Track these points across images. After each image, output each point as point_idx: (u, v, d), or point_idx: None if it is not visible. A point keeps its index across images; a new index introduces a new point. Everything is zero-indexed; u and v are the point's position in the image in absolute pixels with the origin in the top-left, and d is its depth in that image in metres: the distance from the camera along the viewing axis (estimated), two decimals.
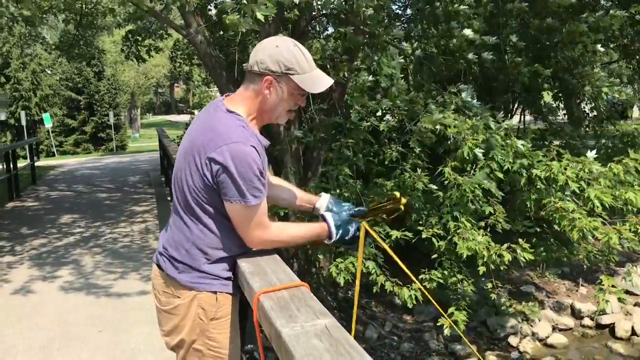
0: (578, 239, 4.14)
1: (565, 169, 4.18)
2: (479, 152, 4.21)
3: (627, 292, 8.95)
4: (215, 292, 1.96)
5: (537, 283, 9.33)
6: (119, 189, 13.72)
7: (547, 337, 7.96)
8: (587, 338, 8.10)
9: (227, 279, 1.98)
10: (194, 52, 11.29)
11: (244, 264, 1.91)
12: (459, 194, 4.24)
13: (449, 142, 4.48)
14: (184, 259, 1.96)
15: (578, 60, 6.28)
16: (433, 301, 2.41)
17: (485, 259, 4.08)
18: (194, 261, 1.95)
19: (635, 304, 8.51)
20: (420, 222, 4.84)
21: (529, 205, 4.34)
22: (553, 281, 9.30)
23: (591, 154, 4.34)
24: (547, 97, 8.40)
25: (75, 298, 5.94)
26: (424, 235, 4.68)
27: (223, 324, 1.99)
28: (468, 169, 4.53)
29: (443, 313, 3.68)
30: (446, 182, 4.44)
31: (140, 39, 11.35)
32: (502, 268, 4.15)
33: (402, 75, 4.79)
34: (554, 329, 8.17)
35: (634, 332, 7.94)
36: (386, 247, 2.20)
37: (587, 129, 7.86)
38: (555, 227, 5.01)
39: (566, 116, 8.76)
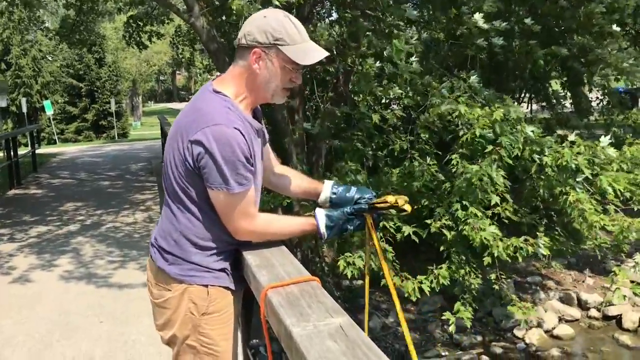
0: (588, 231, 4.02)
1: (578, 154, 4.06)
2: (487, 133, 4.08)
3: (633, 282, 8.89)
4: (206, 286, 1.84)
5: (543, 274, 9.24)
6: (120, 177, 13.62)
7: (554, 328, 7.87)
8: (593, 329, 8.01)
9: (221, 270, 1.87)
10: (196, 37, 11.13)
11: (249, 257, 1.80)
12: (467, 183, 4.11)
13: (458, 127, 4.35)
14: (173, 249, 1.86)
15: (590, 46, 6.12)
16: None
17: (498, 251, 3.97)
18: (183, 252, 1.84)
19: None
20: (427, 214, 4.72)
21: (540, 193, 4.22)
22: (559, 272, 9.20)
23: (605, 139, 4.21)
24: (555, 85, 8.26)
25: (75, 287, 5.85)
26: (432, 230, 4.56)
27: (216, 319, 1.87)
28: (477, 156, 4.40)
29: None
30: (454, 170, 4.33)
31: (141, 24, 11.20)
32: (518, 260, 4.04)
33: (416, 59, 4.64)
34: (560, 320, 8.08)
35: None
36: (379, 248, 2.00)
37: (596, 118, 7.72)
38: (565, 218, 4.92)
39: (572, 106, 8.62)
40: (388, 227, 4.59)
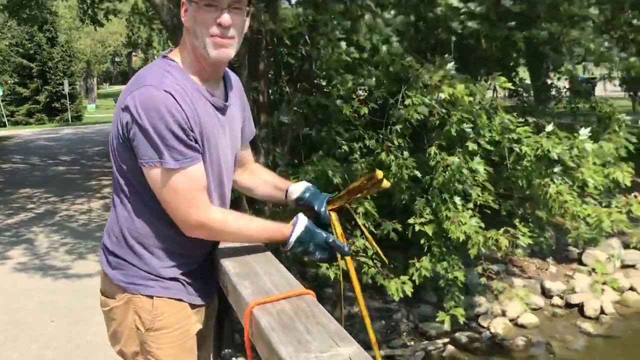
0: (571, 223, 3.94)
1: (558, 145, 3.95)
2: (467, 127, 3.93)
3: (595, 270, 9.01)
4: (151, 297, 1.54)
5: (507, 262, 9.26)
6: (76, 161, 13.06)
7: (518, 316, 7.86)
8: (556, 317, 8.06)
9: (172, 279, 1.56)
10: (154, 16, 10.65)
11: (227, 263, 1.56)
12: (448, 176, 3.96)
13: (434, 118, 4.18)
14: (115, 248, 1.58)
15: (560, 33, 6.04)
16: None
17: (480, 244, 3.85)
18: (126, 253, 1.56)
19: (604, 283, 8.49)
20: (406, 208, 4.56)
21: (517, 183, 4.12)
22: (523, 260, 9.23)
23: (584, 131, 4.13)
24: (523, 73, 8.22)
25: (26, 282, 5.47)
26: (414, 225, 4.39)
27: (164, 337, 1.56)
28: (456, 145, 4.24)
29: None
30: (433, 162, 4.17)
31: (97, 0, 10.65)
32: (499, 252, 3.94)
33: (397, 39, 4.43)
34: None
35: (602, 311, 7.92)
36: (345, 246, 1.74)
37: (564, 106, 7.70)
38: (539, 212, 4.84)
39: (534, 93, 8.60)
40: (366, 225, 4.41)
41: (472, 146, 3.98)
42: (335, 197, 1.73)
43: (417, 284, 4.68)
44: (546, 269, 8.96)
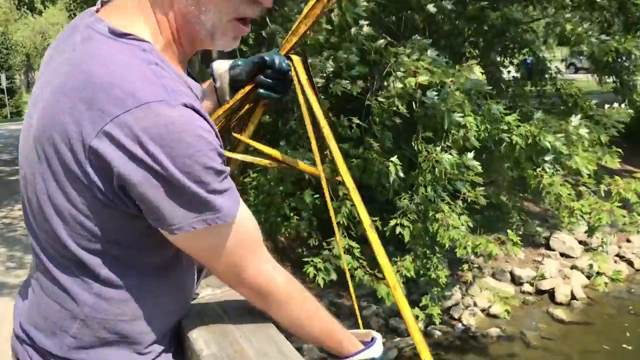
0: (569, 218, 3.70)
1: (554, 133, 3.68)
2: (458, 117, 3.59)
3: (562, 254, 8.96)
4: None
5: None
6: (16, 162, 12.23)
7: (489, 306, 7.71)
8: (527, 305, 7.96)
9: None
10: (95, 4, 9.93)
11: (199, 335, 1.06)
12: (438, 173, 3.62)
13: (416, 109, 3.83)
14: (69, 354, 1.01)
15: (530, 15, 5.80)
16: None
17: (469, 250, 3.56)
18: (100, 355, 1.02)
19: (572, 267, 8.45)
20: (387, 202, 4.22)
21: (510, 175, 3.85)
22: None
23: (576, 119, 3.86)
24: (494, 57, 7.97)
25: None
26: (402, 230, 4.05)
27: None
28: (441, 137, 3.92)
29: None
30: (421, 159, 3.83)
31: None
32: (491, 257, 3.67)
33: (367, 22, 4.04)
34: (494, 297, 7.93)
35: (573, 297, 7.86)
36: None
37: (530, 90, 7.50)
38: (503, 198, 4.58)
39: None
40: (347, 222, 4.05)
41: (461, 135, 3.64)
42: (285, 41, 1.30)
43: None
44: (515, 256, 8.84)
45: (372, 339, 1.18)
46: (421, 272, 4.34)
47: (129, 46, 0.92)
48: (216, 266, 1.01)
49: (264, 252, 1.03)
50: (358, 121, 4.28)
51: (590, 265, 4.66)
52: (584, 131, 3.64)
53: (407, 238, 3.97)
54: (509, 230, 3.85)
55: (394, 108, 3.84)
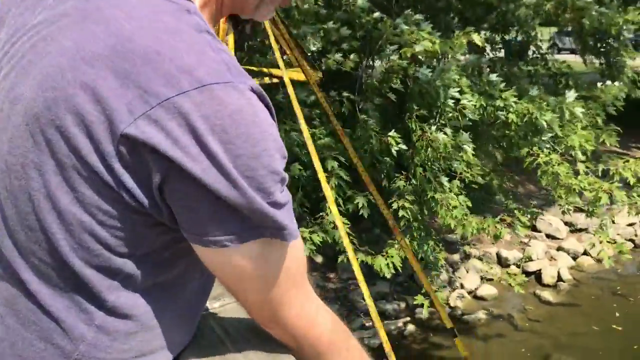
0: (566, 195, 3.59)
1: (547, 111, 3.55)
2: (454, 92, 3.43)
3: (548, 236, 8.93)
4: None
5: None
6: None
7: (476, 288, 7.68)
8: (514, 287, 7.89)
9: None
10: None
11: None
12: (432, 153, 3.47)
13: (409, 87, 3.66)
14: None
15: None
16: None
17: (473, 230, 3.42)
18: None
19: (559, 249, 8.43)
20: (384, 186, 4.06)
21: (505, 155, 3.72)
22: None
23: (571, 94, 3.73)
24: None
25: None
26: (399, 213, 3.89)
27: None
28: (435, 115, 3.75)
29: None
30: (414, 137, 3.66)
31: None
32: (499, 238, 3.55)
33: None
34: (482, 279, 7.89)
35: (560, 278, 7.83)
36: None
37: (519, 68, 7.37)
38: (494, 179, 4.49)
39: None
40: (338, 197, 3.86)
41: (456, 114, 3.49)
42: None
43: (396, 267, 4.23)
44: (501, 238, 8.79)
45: None
46: (420, 255, 4.21)
47: (170, 3, 0.71)
48: (250, 296, 0.80)
49: (310, 289, 0.84)
50: (348, 94, 4.08)
51: (593, 244, 4.54)
52: (579, 110, 3.51)
53: (411, 219, 3.82)
54: (516, 211, 3.72)
55: (390, 84, 3.66)
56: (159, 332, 0.80)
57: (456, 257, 8.19)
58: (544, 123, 3.41)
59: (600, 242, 4.17)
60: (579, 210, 8.65)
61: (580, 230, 8.79)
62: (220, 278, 0.79)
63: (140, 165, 0.66)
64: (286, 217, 0.72)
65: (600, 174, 3.87)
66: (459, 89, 3.49)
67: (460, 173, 3.75)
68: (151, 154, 0.65)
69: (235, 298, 0.84)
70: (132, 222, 0.71)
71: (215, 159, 0.65)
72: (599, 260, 8.10)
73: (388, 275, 4.19)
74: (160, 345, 0.81)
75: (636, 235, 8.89)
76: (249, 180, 0.67)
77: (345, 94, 4.17)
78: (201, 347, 0.86)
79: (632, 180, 3.60)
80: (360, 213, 3.98)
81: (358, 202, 3.93)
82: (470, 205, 3.73)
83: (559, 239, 8.61)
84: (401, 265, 4.17)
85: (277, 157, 0.70)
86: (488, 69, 3.82)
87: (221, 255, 0.72)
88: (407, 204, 3.82)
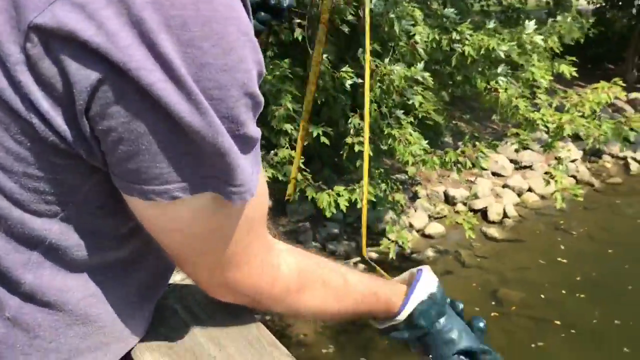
0: (531, 129, 3.51)
1: (503, 41, 3.41)
2: (408, 25, 3.22)
3: (494, 174, 9.03)
4: None
5: (407, 171, 9.02)
6: None
7: (424, 227, 7.73)
8: (461, 224, 7.97)
9: None
10: None
11: (147, 357, 0.64)
12: (386, 87, 3.27)
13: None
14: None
15: None
16: None
17: (435, 166, 3.30)
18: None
19: (504, 186, 8.55)
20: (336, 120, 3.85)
21: (462, 89, 3.59)
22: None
23: (531, 24, 3.59)
24: None
25: None
26: (353, 148, 3.69)
27: None
28: (387, 49, 3.55)
29: None
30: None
31: None
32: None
33: None
34: (429, 218, 7.95)
35: (505, 215, 7.98)
36: None
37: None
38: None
39: None
40: (289, 130, 3.63)
41: (409, 48, 3.30)
42: None
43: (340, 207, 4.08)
44: (448, 176, 8.81)
45: (418, 272, 0.88)
46: (379, 195, 4.09)
47: None
48: (200, 260, 0.60)
49: (270, 238, 0.67)
50: (300, 20, 3.81)
51: (547, 182, 4.53)
52: (538, 38, 3.38)
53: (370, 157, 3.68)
54: (477, 143, 3.62)
55: (342, 16, 3.41)
56: (101, 325, 0.58)
57: (404, 196, 8.19)
58: (502, 54, 3.28)
59: (556, 181, 4.15)
60: (523, 147, 8.81)
61: (525, 167, 8.93)
62: (159, 238, 0.57)
63: (59, 77, 0.43)
64: (251, 162, 0.52)
65: (554, 108, 3.81)
66: (412, 22, 3.29)
67: (416, 109, 3.60)
68: (73, 56, 0.41)
69: (177, 263, 0.63)
70: (52, 166, 0.48)
71: (170, 67, 0.42)
72: (542, 197, 8.31)
73: (328, 215, 4.04)
74: (103, 341, 0.59)
75: (577, 171, 9.10)
76: (215, 103, 0.45)
77: (297, 20, 3.90)
78: (160, 336, 0.66)
79: (587, 112, 3.54)
80: (321, 141, 3.75)
81: (313, 131, 3.72)
82: (425, 142, 3.61)
83: (504, 176, 8.73)
84: (347, 205, 4.01)
85: (255, 73, 0.48)
86: (442, 4, 3.62)
87: (164, 209, 0.51)
88: (358, 140, 3.68)
